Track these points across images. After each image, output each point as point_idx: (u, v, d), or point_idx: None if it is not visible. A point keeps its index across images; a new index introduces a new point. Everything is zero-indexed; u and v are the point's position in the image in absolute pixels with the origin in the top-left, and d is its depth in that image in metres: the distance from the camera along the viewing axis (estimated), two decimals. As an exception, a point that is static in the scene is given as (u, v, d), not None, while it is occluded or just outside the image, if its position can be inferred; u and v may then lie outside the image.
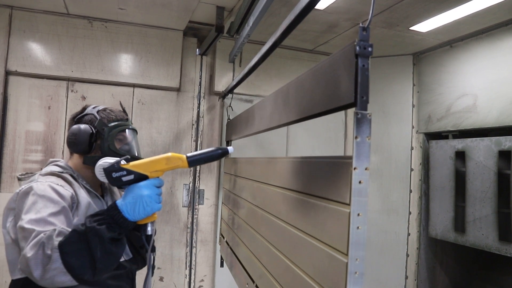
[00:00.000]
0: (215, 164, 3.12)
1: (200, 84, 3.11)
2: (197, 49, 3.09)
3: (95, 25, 2.80)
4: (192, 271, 3.03)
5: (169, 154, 1.17)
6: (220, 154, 1.18)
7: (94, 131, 1.31)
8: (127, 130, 1.38)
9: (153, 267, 1.29)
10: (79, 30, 2.76)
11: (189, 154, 1.17)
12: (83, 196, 1.24)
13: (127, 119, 1.41)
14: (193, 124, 3.07)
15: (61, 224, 1.08)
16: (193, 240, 3.05)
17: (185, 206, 3.04)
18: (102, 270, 1.03)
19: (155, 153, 2.93)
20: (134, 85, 2.92)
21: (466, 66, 2.76)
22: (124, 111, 1.44)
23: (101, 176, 1.20)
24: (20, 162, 2.67)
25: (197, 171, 3.07)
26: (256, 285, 1.63)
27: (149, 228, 1.16)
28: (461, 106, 2.76)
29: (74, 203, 1.19)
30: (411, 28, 2.66)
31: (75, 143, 1.30)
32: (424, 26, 2.61)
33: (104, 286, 1.23)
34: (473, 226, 2.57)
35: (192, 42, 3.08)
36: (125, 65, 2.86)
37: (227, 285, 3.08)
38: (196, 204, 3.06)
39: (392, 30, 2.71)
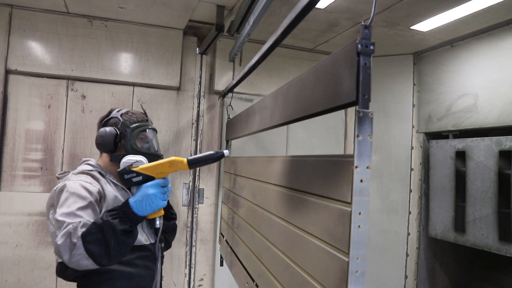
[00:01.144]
0: (215, 163, 3.12)
1: (200, 83, 3.10)
2: (197, 48, 3.08)
3: (95, 24, 2.79)
4: (192, 270, 3.03)
5: (172, 158, 1.33)
6: (217, 157, 1.34)
7: (118, 133, 1.48)
8: (147, 130, 1.54)
9: (163, 256, 1.53)
10: (79, 29, 2.76)
11: (189, 158, 1.33)
12: (109, 190, 1.42)
13: (147, 120, 1.57)
14: (193, 123, 3.07)
15: (87, 217, 1.26)
16: (193, 239, 3.04)
17: (185, 205, 3.04)
18: (116, 257, 1.21)
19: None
20: (134, 84, 2.91)
21: (467, 66, 2.76)
22: (144, 112, 1.60)
23: None
24: (20, 160, 2.67)
25: (197, 170, 3.07)
26: (256, 284, 1.63)
27: (157, 222, 1.35)
28: (462, 106, 2.76)
29: (101, 197, 1.37)
30: (411, 28, 2.66)
31: (102, 144, 1.47)
32: (425, 26, 2.61)
33: (133, 265, 1.42)
34: (473, 226, 2.57)
35: (192, 41, 3.08)
36: (125, 64, 2.86)
37: (226, 284, 3.08)
38: (196, 203, 3.06)
39: (392, 29, 2.71)
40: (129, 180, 1.31)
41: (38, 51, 2.68)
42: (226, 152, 1.35)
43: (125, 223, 1.22)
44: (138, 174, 1.30)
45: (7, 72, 2.65)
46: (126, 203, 1.27)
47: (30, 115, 2.70)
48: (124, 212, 1.24)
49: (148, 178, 1.31)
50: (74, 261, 1.16)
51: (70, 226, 1.19)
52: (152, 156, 1.48)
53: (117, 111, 1.54)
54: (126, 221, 1.23)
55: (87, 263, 1.17)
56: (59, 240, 1.17)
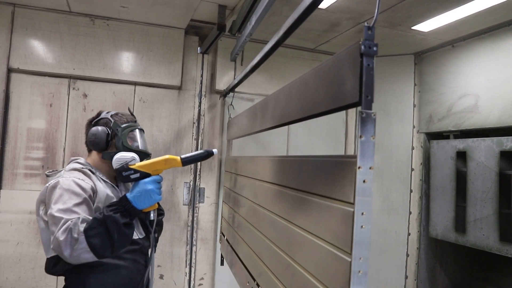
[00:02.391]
0: (215, 162, 3.13)
1: (201, 83, 3.10)
2: (199, 48, 3.08)
3: (97, 23, 2.80)
4: (192, 269, 3.03)
5: (167, 156, 1.45)
6: (207, 155, 1.49)
7: (109, 132, 1.56)
8: (136, 129, 1.63)
9: (156, 245, 1.64)
10: (81, 28, 2.76)
11: (182, 156, 1.47)
12: (100, 187, 1.49)
13: (135, 121, 1.67)
14: (194, 123, 3.07)
15: (83, 213, 1.32)
16: (193, 238, 3.05)
17: (185, 204, 3.04)
18: (118, 248, 1.30)
19: (155, 151, 2.95)
20: (135, 83, 2.92)
21: (468, 66, 2.76)
22: (132, 114, 1.70)
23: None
24: (22, 159, 2.67)
25: (198, 170, 3.07)
26: (257, 283, 1.64)
27: (152, 215, 1.46)
28: (463, 106, 2.76)
29: (94, 192, 1.44)
30: (413, 28, 2.66)
31: (94, 142, 1.54)
32: (426, 26, 2.61)
33: (121, 259, 1.49)
34: (474, 227, 2.57)
35: (194, 41, 3.08)
36: (127, 63, 2.86)
37: (227, 283, 3.09)
38: (197, 202, 3.06)
39: (394, 29, 2.71)
40: (127, 177, 1.40)
41: (40, 50, 2.68)
42: (215, 151, 1.50)
43: (125, 217, 1.30)
44: (135, 171, 1.40)
45: (9, 70, 2.65)
46: (125, 199, 1.35)
47: (32, 113, 2.71)
48: (123, 206, 1.32)
49: (145, 175, 1.41)
50: (75, 255, 1.22)
51: (70, 222, 1.24)
52: (142, 153, 1.56)
53: (107, 113, 1.63)
54: (126, 214, 1.31)
55: (87, 256, 1.24)
56: (60, 236, 1.22)
